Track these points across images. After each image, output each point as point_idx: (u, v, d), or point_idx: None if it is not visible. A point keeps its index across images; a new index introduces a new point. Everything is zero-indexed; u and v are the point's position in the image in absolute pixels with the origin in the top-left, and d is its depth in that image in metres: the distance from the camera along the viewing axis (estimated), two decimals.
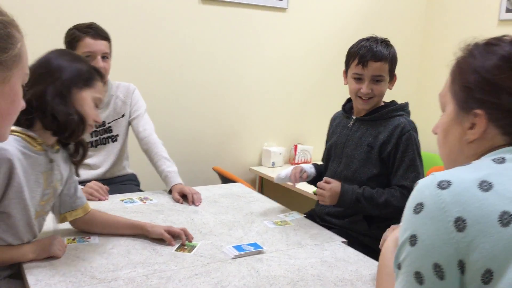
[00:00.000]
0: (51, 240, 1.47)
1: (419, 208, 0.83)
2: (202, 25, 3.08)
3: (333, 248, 1.64)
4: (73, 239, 1.59)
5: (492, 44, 0.93)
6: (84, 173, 2.24)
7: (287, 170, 2.04)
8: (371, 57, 1.83)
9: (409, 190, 1.81)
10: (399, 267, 0.86)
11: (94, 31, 2.15)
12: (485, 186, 0.80)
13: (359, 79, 1.88)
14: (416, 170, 1.84)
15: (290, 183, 2.04)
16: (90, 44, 2.14)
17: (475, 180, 0.81)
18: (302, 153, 3.40)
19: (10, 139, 1.25)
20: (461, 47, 0.97)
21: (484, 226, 0.77)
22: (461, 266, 0.78)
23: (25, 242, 1.44)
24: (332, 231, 1.86)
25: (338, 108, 2.13)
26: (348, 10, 3.56)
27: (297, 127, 3.55)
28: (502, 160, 0.86)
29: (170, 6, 2.96)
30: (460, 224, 0.78)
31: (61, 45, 2.17)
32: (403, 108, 1.93)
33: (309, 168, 2.08)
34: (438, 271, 0.79)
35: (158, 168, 2.23)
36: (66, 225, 1.72)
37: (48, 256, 1.44)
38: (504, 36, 0.94)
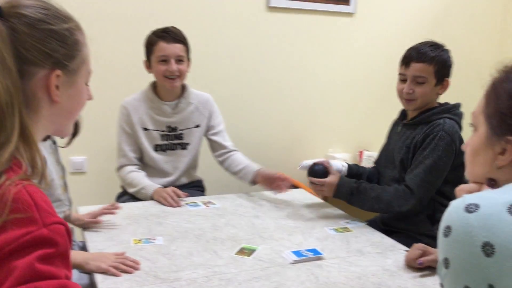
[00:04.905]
0: (108, 254, 1.48)
1: (447, 231, 0.81)
2: (268, 32, 3.11)
3: (396, 257, 1.59)
4: (139, 240, 1.66)
5: None
6: (154, 181, 2.29)
7: (312, 160, 2.09)
8: (413, 57, 1.87)
9: (405, 186, 1.85)
10: (442, 285, 0.86)
11: (168, 35, 2.21)
12: None
13: (403, 80, 1.93)
14: (424, 170, 1.81)
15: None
16: (164, 48, 2.20)
17: (505, 204, 0.77)
18: (367, 160, 3.32)
19: None
20: (498, 67, 0.93)
21: None
22: None
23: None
24: (397, 235, 1.83)
25: None
26: (417, 14, 3.44)
27: (363, 133, 3.48)
28: None
29: (237, 14, 3.02)
30: (488, 249, 0.75)
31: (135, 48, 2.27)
32: (449, 110, 1.89)
33: (339, 165, 2.12)
34: None
35: (241, 165, 2.32)
36: (134, 225, 1.80)
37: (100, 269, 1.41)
38: None
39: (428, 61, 1.85)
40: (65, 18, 0.89)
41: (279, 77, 3.19)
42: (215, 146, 2.43)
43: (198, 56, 2.91)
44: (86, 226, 1.77)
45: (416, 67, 1.86)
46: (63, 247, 0.77)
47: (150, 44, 2.24)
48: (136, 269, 1.43)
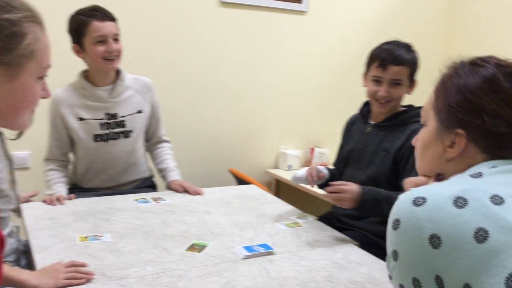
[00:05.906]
0: (58, 266, 1.34)
1: (396, 224, 0.83)
2: (221, 28, 3.09)
3: (345, 251, 1.62)
4: (86, 237, 1.61)
5: (477, 64, 0.92)
6: (97, 177, 2.24)
7: (303, 170, 1.99)
8: (391, 60, 1.84)
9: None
10: (390, 277, 0.88)
11: (100, 13, 2.06)
12: (460, 202, 0.79)
13: (378, 81, 1.88)
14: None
15: (306, 185, 2.00)
16: (99, 27, 2.05)
17: (450, 197, 0.80)
18: (318, 156, 3.37)
19: None
20: (446, 64, 0.97)
21: (459, 243, 0.76)
22: (439, 281, 0.78)
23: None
24: (349, 232, 1.84)
25: (356, 111, 2.11)
26: (367, 14, 3.52)
27: (314, 130, 3.53)
28: (478, 175, 0.85)
29: (190, 9, 2.98)
30: (435, 241, 0.78)
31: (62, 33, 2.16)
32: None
33: (324, 169, 2.06)
34: (417, 285, 0.80)
35: (163, 164, 2.34)
36: (81, 222, 1.74)
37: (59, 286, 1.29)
38: (489, 56, 0.93)
39: (405, 64, 1.84)
40: (10, 7, 0.84)
41: (231, 73, 3.18)
42: (148, 134, 2.38)
43: (148, 50, 2.86)
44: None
45: (394, 70, 1.84)
46: None
47: (81, 26, 2.05)
48: (90, 274, 1.34)
